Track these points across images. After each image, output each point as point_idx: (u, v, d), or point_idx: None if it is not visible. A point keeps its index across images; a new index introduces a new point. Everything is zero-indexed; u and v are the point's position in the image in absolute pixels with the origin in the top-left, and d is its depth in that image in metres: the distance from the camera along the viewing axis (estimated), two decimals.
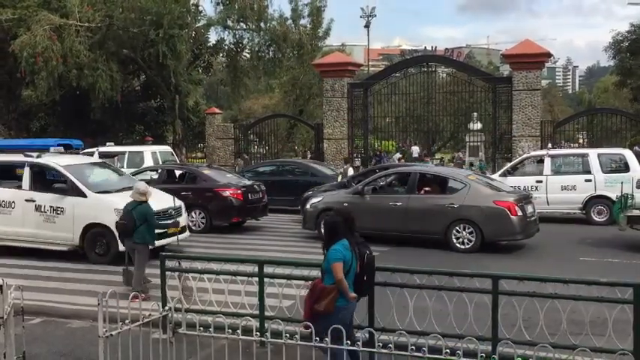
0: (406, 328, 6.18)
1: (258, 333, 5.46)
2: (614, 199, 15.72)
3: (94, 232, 12.41)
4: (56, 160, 13.46)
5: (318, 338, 5.04)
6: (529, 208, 13.86)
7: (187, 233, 13.74)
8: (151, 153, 23.42)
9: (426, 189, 14.59)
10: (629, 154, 18.23)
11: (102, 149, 24.50)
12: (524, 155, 20.35)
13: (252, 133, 30.98)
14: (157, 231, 10.39)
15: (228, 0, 31.89)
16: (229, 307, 7.44)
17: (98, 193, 12.65)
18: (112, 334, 5.24)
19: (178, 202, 13.00)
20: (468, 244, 13.47)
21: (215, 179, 17.23)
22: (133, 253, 9.85)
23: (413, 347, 4.87)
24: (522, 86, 24.11)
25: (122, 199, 11.48)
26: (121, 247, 10.85)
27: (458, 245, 13.52)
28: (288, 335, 5.19)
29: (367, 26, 54.93)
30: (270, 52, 33.69)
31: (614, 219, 15.05)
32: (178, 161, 25.78)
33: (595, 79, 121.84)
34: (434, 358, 4.90)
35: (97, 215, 12.34)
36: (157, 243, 11.03)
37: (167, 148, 26.14)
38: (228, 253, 12.85)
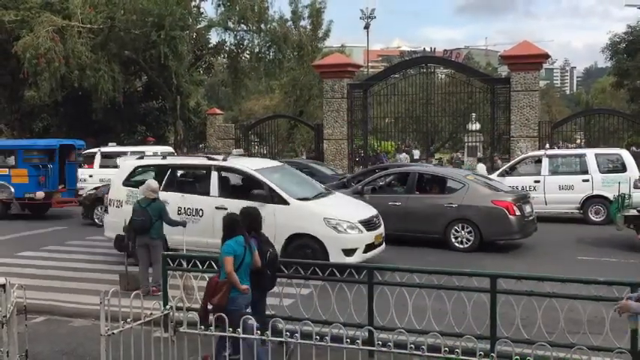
0: (405, 327, 6.17)
1: (259, 332, 5.45)
2: (612, 198, 15.72)
3: (298, 243, 10.89)
4: (246, 164, 12.31)
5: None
6: (527, 208, 13.87)
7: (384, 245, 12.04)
8: (152, 153, 23.41)
9: (426, 189, 14.61)
10: (626, 155, 18.23)
11: (104, 149, 24.57)
12: (523, 155, 20.36)
13: (253, 134, 30.98)
14: (365, 242, 10.31)
15: (229, 1, 31.89)
16: None
17: (299, 200, 11.32)
18: (113, 333, 5.25)
19: (375, 211, 12.18)
20: (466, 243, 13.48)
21: None
22: (145, 250, 9.93)
23: (412, 346, 4.87)
24: (520, 87, 24.11)
25: (327, 207, 11.19)
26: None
27: (457, 245, 13.53)
28: (288, 334, 5.19)
29: (367, 27, 54.88)
30: (271, 54, 33.70)
31: (612, 219, 15.04)
32: None
33: (592, 80, 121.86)
34: (433, 357, 4.90)
35: (303, 225, 10.92)
36: (367, 255, 10.85)
37: (169, 149, 26.14)
38: None
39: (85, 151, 22.92)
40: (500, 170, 19.24)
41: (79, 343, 7.75)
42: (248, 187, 11.82)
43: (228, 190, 11.98)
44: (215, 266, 8.00)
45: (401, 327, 6.07)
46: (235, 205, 10.60)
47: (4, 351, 5.44)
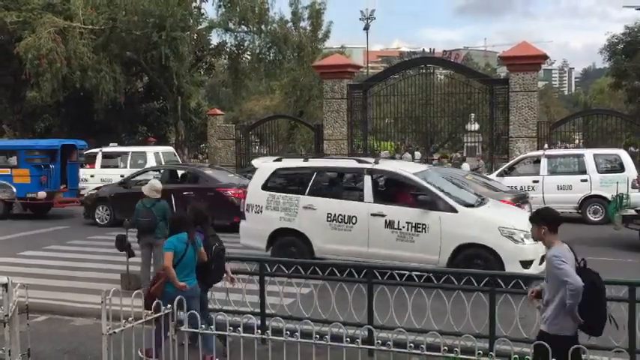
0: (405, 326, 6.18)
1: (259, 331, 5.45)
2: (610, 198, 15.75)
3: (468, 253, 9.98)
4: (402, 167, 11.56)
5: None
6: (526, 208, 13.86)
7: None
8: (153, 153, 23.45)
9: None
10: (624, 155, 18.25)
11: (105, 150, 24.60)
12: (521, 155, 20.37)
13: (254, 134, 30.98)
14: (541, 253, 9.29)
15: (230, 3, 31.86)
16: (231, 305, 7.45)
17: (466, 206, 10.50)
18: (115, 332, 5.24)
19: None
20: None
21: (217, 179, 17.24)
22: (147, 249, 9.92)
23: (411, 345, 4.87)
24: (519, 88, 24.10)
25: (498, 215, 10.55)
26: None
27: None
28: (288, 333, 5.19)
29: (366, 29, 54.90)
30: (271, 54, 33.68)
31: (610, 218, 15.07)
32: (180, 161, 25.80)
33: (591, 80, 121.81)
34: (432, 356, 4.90)
35: (474, 234, 10.00)
36: (541, 267, 9.42)
37: (169, 149, 26.17)
38: (229, 252, 12.84)
39: (87, 152, 22.94)
40: (500, 170, 19.26)
41: (81, 342, 7.75)
42: (402, 192, 11.16)
43: (382, 195, 11.10)
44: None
45: (400, 326, 6.08)
46: (394, 212, 10.31)
47: (6, 350, 5.45)
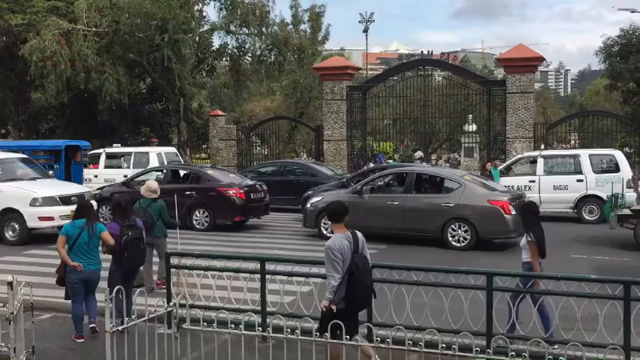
0: (403, 324, 6.19)
1: (260, 328, 5.45)
2: (605, 198, 15.74)
3: None
4: None
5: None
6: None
7: None
8: (156, 154, 23.45)
9: (423, 189, 14.61)
10: (619, 155, 18.24)
11: (109, 150, 24.59)
12: (518, 156, 20.37)
13: (255, 135, 30.98)
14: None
15: (231, 6, 31.88)
16: (232, 303, 7.45)
17: None
18: (118, 329, 5.24)
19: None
20: (463, 242, 13.48)
21: (218, 179, 17.23)
22: (149, 248, 9.88)
23: (410, 342, 4.87)
24: (516, 89, 24.11)
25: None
26: None
27: (453, 243, 13.53)
28: (289, 330, 5.19)
29: (366, 31, 54.96)
30: (272, 56, 33.69)
31: (605, 218, 15.06)
32: (183, 162, 25.79)
33: (586, 82, 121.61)
34: (430, 353, 4.90)
35: None
36: None
37: (172, 149, 26.17)
38: (231, 251, 12.86)
39: (91, 152, 22.94)
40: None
41: (85, 339, 7.74)
42: None
43: None
44: (217, 264, 8.01)
45: (399, 324, 6.08)
46: None
47: (11, 347, 5.45)
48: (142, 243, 7.96)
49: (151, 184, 10.56)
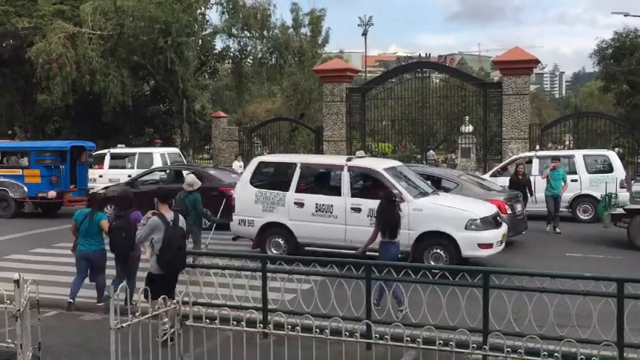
0: (401, 321, 6.18)
1: (261, 325, 5.45)
2: (599, 198, 15.73)
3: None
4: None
5: None
6: (518, 207, 13.85)
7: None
8: (159, 154, 23.45)
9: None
10: (613, 156, 18.23)
11: (113, 151, 24.59)
12: (514, 156, 20.35)
13: (256, 136, 30.98)
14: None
15: (233, 9, 31.89)
16: (234, 301, 7.45)
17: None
18: (122, 326, 5.24)
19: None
20: None
21: (221, 179, 17.21)
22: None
23: (408, 339, 4.87)
24: (512, 91, 24.10)
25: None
26: None
27: None
28: (289, 327, 5.19)
29: (365, 34, 54.89)
30: (273, 59, 33.69)
31: (599, 217, 15.06)
32: (186, 162, 25.80)
33: (581, 84, 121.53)
34: (428, 349, 4.90)
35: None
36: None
37: (175, 150, 26.17)
38: (233, 250, 12.85)
39: (96, 153, 22.92)
40: (493, 170, 19.24)
41: (90, 336, 7.74)
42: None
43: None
44: (220, 263, 8.00)
45: (397, 321, 6.08)
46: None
47: (18, 343, 5.45)
48: (124, 232, 8.55)
49: (189, 178, 11.47)
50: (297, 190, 12.02)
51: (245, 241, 13.09)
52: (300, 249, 11.76)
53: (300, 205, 11.81)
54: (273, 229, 12.05)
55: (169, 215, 7.45)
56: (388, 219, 8.66)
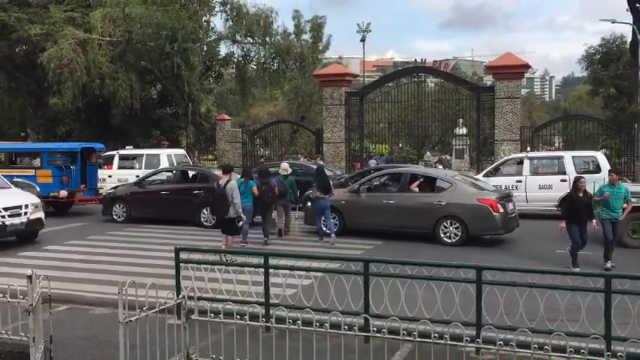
0: (398, 315, 6.18)
1: (263, 319, 5.45)
2: None
3: None
4: None
5: None
6: (510, 206, 13.86)
7: None
8: (166, 155, 23.44)
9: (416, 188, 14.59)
10: (600, 157, 18.24)
11: (122, 152, 24.58)
12: (506, 157, 20.35)
13: (259, 138, 30.98)
14: None
15: (237, 17, 31.88)
16: (237, 296, 7.44)
17: None
18: (131, 320, 5.24)
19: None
20: (454, 238, 13.47)
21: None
22: (282, 208, 14.71)
23: (404, 332, 4.86)
24: (504, 95, 24.11)
25: None
26: None
27: (445, 239, 13.51)
28: (291, 321, 5.19)
29: (363, 40, 54.80)
30: (275, 64, 33.69)
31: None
32: (191, 163, 25.79)
33: (570, 88, 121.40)
34: (423, 342, 4.90)
35: None
36: None
37: (181, 151, 26.16)
38: (236, 247, 12.84)
39: (105, 154, 22.92)
40: (486, 171, 19.25)
41: (99, 329, 7.74)
42: None
43: None
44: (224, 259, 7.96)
45: (394, 315, 6.07)
46: None
47: (30, 337, 5.45)
48: (270, 192, 13.45)
49: (284, 165, 15.71)
50: None
51: (249, 238, 13.09)
52: None
53: None
54: None
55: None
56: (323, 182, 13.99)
